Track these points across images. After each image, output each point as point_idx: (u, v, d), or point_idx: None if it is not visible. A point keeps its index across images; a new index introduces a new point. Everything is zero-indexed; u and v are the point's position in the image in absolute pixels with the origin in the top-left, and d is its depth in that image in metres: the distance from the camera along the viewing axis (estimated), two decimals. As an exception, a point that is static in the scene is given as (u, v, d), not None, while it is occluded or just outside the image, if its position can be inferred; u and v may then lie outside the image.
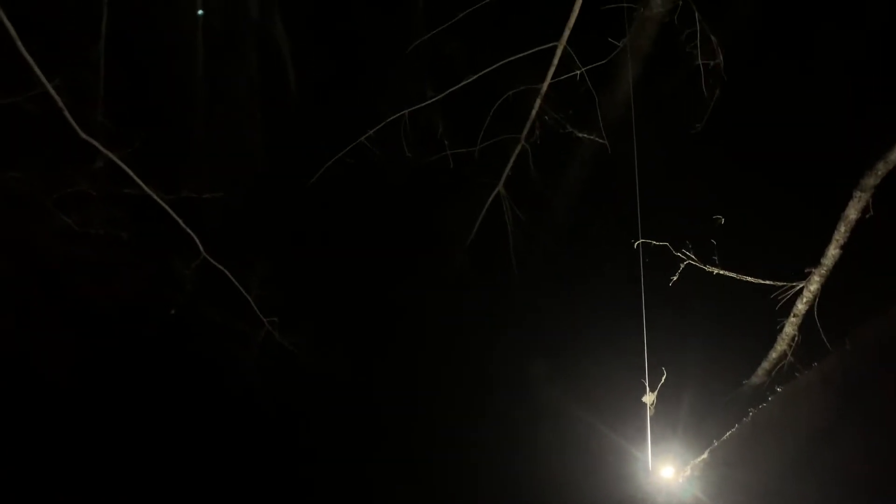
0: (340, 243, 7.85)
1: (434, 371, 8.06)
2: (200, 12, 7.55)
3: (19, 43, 4.89)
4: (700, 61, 6.24)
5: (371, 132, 7.07)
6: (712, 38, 6.21)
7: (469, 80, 7.03)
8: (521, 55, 6.90)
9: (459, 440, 7.62)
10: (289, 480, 7.19)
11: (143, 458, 6.78)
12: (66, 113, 5.27)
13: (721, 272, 5.63)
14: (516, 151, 7.11)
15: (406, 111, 7.04)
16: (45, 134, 6.21)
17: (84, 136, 5.43)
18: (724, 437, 5.45)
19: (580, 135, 6.95)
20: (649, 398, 5.86)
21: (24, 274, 6.34)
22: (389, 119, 7.12)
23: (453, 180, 7.67)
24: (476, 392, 7.97)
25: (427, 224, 8.01)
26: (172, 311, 6.40)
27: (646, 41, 7.38)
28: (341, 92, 8.13)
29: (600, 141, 7.21)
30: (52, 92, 5.14)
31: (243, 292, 6.39)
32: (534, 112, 6.91)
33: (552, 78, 6.79)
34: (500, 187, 7.41)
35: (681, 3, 6.12)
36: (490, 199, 7.44)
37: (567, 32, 6.46)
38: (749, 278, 5.65)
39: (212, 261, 6.18)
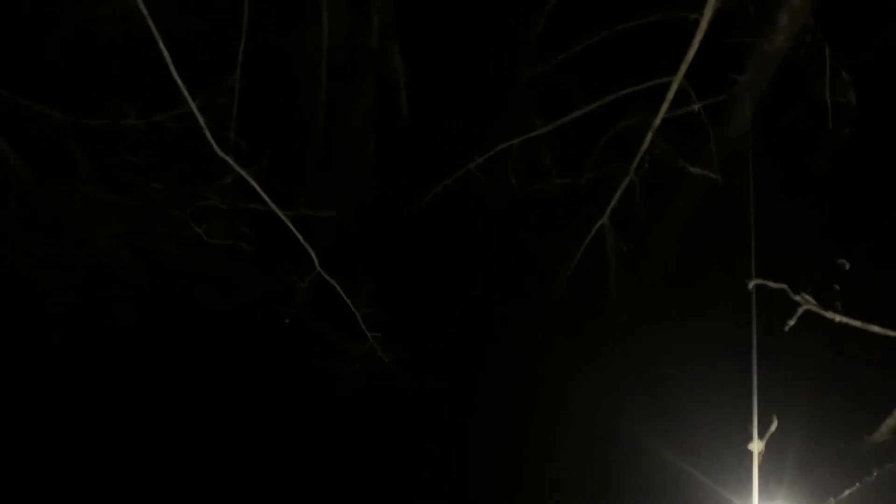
0: (444, 265, 8.03)
1: (525, 399, 8.05)
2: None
3: (172, 67, 5.40)
4: (829, 98, 6.01)
5: (480, 160, 7.29)
6: (843, 74, 5.98)
7: (580, 113, 7.13)
8: (634, 88, 6.94)
9: (546, 473, 7.56)
10: (379, 494, 7.33)
11: (244, 461, 7.12)
12: (207, 131, 5.76)
13: (844, 320, 5.35)
14: (624, 184, 7.08)
15: (515, 140, 7.22)
16: (183, 150, 6.85)
17: (220, 152, 5.88)
18: (844, 495, 5.14)
19: (692, 169, 6.86)
20: (757, 446, 5.61)
21: (151, 277, 6.88)
22: (498, 148, 7.32)
23: (558, 210, 7.75)
24: (565, 425, 7.90)
25: (528, 252, 8.06)
26: (287, 321, 6.75)
27: (766, 75, 7.18)
28: (452, 120, 8.37)
29: (713, 176, 7.09)
30: (196, 111, 5.62)
31: (352, 307, 6.65)
32: (645, 145, 6.88)
33: (666, 112, 6.79)
34: (604, 219, 7.39)
35: (809, 37, 5.95)
36: (594, 230, 7.44)
37: (684, 67, 6.42)
38: (876, 328, 5.33)
39: (325, 276, 6.50)
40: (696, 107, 6.40)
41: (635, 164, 6.89)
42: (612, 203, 7.10)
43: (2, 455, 6.43)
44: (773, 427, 5.57)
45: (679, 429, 7.04)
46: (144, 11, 4.98)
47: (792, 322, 5.46)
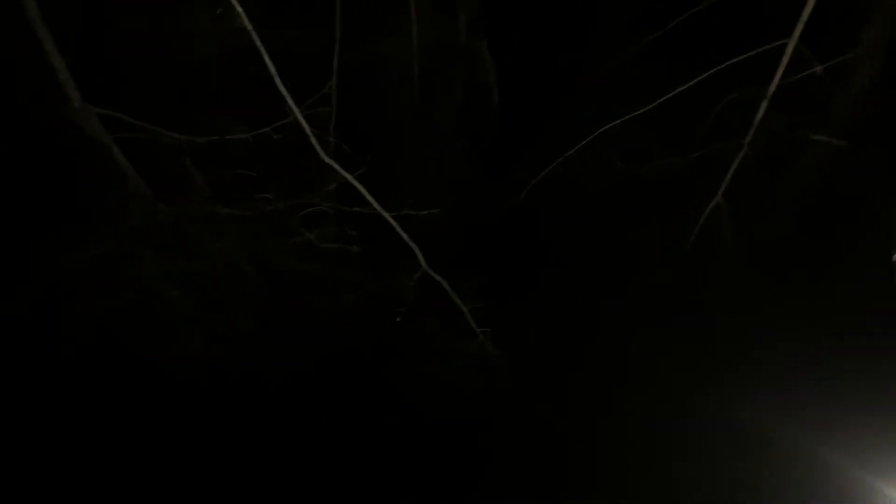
0: (548, 256, 7.88)
1: (633, 390, 7.74)
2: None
3: (277, 79, 5.57)
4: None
5: (580, 145, 7.10)
6: None
7: (684, 87, 6.80)
8: (744, 56, 6.55)
9: (664, 475, 7.25)
10: (474, 487, 7.25)
11: (359, 459, 7.23)
12: (313, 139, 5.91)
13: None
14: (738, 159, 6.69)
15: (616, 121, 6.98)
16: (288, 160, 7.07)
17: (326, 158, 6.04)
18: None
19: (815, 137, 6.39)
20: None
21: (268, 285, 7.12)
22: (598, 131, 7.11)
23: (665, 194, 7.43)
24: (675, 420, 7.55)
25: (636, 238, 7.77)
26: (398, 319, 6.84)
27: (891, 30, 6.61)
28: (545, 109, 8.21)
29: (838, 143, 6.58)
30: (302, 120, 5.78)
31: (459, 304, 6.65)
32: (759, 115, 6.47)
33: (781, 78, 6.36)
34: (718, 197, 7.02)
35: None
36: (707, 211, 7.08)
37: (800, 27, 5.99)
38: None
39: (432, 273, 6.52)
40: (817, 69, 5.96)
41: (750, 136, 6.50)
42: (726, 180, 6.73)
43: (127, 456, 6.86)
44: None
45: (819, 420, 6.59)
46: (249, 27, 5.17)
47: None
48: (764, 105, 6.35)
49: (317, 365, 7.15)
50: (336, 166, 5.97)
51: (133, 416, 6.94)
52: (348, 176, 6.02)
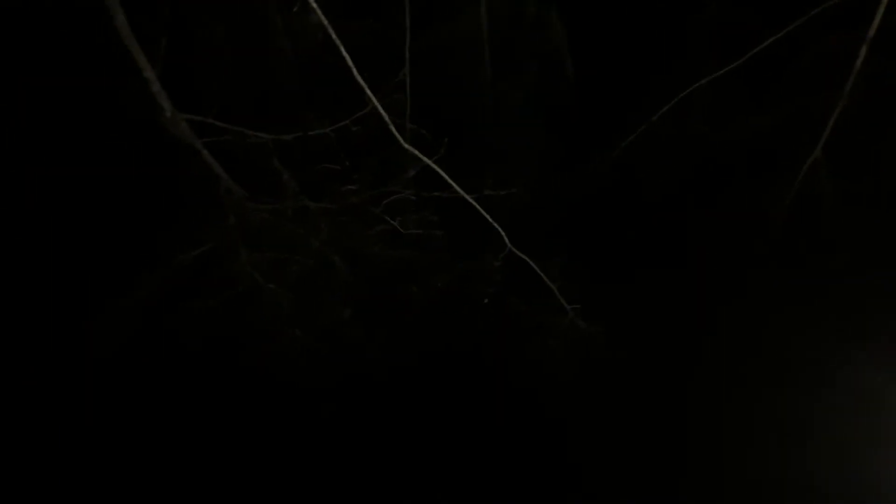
0: (636, 227, 7.66)
1: (740, 358, 7.46)
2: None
3: (355, 71, 5.65)
4: None
5: (664, 109, 6.86)
6: None
7: (772, 40, 6.43)
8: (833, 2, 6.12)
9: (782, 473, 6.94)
10: (563, 467, 7.20)
11: (459, 441, 7.33)
12: (392, 127, 5.97)
13: None
14: (837, 110, 6.28)
15: (703, 81, 6.69)
16: (367, 150, 7.18)
17: (406, 146, 6.10)
18: None
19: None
20: None
21: (356, 273, 7.30)
22: (682, 94, 6.84)
23: (758, 154, 7.07)
24: (785, 388, 7.23)
25: (729, 201, 7.45)
26: (486, 301, 6.87)
27: None
28: (622, 77, 7.95)
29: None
30: (381, 110, 5.84)
31: (547, 282, 6.60)
32: (858, 62, 6.04)
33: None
34: (817, 152, 6.61)
35: None
36: (805, 167, 6.69)
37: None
38: None
39: (518, 253, 6.50)
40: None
41: (849, 85, 6.08)
42: (825, 134, 6.33)
43: (217, 448, 7.21)
44: None
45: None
46: (325, 22, 5.26)
47: None
48: (864, 50, 5.93)
49: (411, 350, 7.29)
50: (416, 153, 6.02)
51: (236, 409, 7.28)
52: (429, 161, 6.05)
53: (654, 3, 8.07)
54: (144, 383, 7.23)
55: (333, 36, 5.29)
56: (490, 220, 6.36)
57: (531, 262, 6.53)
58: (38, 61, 7.30)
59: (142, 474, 6.99)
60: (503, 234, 6.46)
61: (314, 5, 5.13)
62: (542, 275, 6.58)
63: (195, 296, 7.09)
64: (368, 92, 5.65)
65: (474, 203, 6.22)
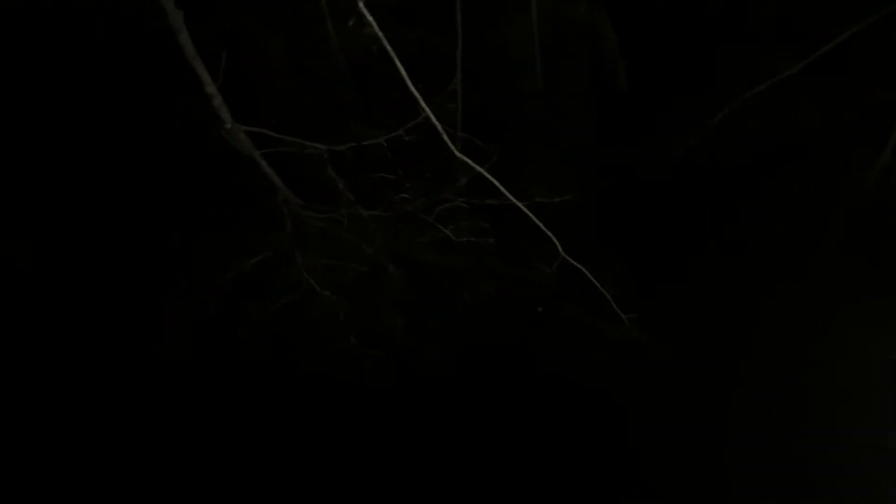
0: (694, 235, 7.51)
1: (812, 373, 7.19)
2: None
3: (408, 81, 5.68)
4: None
5: (721, 115, 6.69)
6: None
7: (840, 39, 6.21)
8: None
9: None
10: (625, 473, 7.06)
11: (509, 444, 7.29)
12: (445, 136, 5.98)
13: None
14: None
15: (761, 86, 6.51)
16: (420, 159, 7.24)
17: (459, 154, 6.10)
18: None
19: None
20: None
21: (411, 280, 7.37)
22: (740, 98, 6.66)
23: (819, 159, 6.81)
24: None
25: (790, 209, 7.22)
26: (539, 309, 6.82)
27: None
28: (678, 76, 7.80)
29: None
30: (434, 119, 5.86)
31: (602, 290, 6.50)
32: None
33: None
34: (885, 153, 6.34)
35: None
36: (876, 171, 6.40)
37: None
38: None
39: (571, 261, 6.42)
40: None
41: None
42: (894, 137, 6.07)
43: (274, 449, 7.31)
44: None
45: None
46: (380, 34, 5.31)
47: None
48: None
49: (464, 356, 7.31)
50: (468, 161, 6.01)
51: (294, 412, 7.42)
52: (481, 170, 6.02)
53: (709, 5, 7.92)
54: (206, 386, 7.47)
55: (387, 47, 5.34)
56: (542, 227, 6.30)
57: (585, 270, 6.44)
58: (105, 75, 7.67)
59: (205, 473, 7.23)
60: (556, 241, 6.39)
61: (370, 18, 5.19)
62: (596, 283, 6.49)
63: (254, 301, 7.30)
64: (421, 102, 5.67)
65: (526, 211, 6.15)
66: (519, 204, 6.24)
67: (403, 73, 5.63)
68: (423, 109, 5.81)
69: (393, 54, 5.41)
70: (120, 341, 7.19)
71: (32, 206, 7.58)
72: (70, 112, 7.72)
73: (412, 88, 5.71)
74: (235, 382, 7.43)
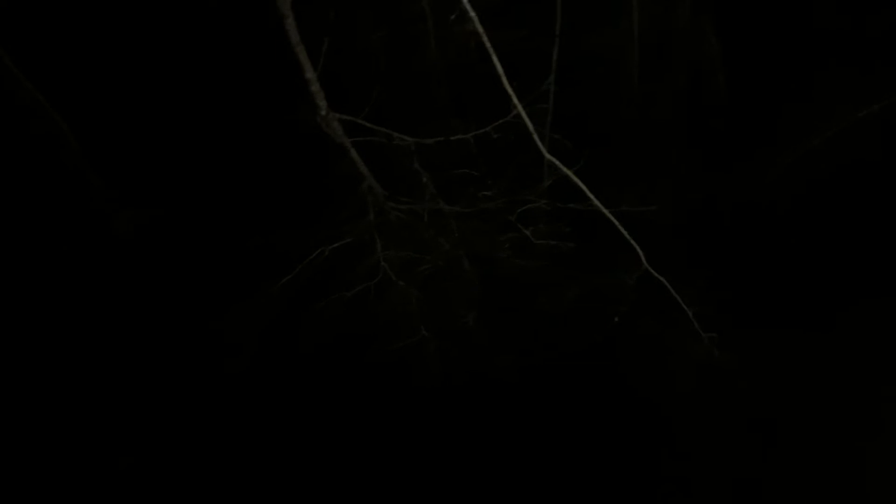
0: (785, 257, 7.18)
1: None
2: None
3: (504, 79, 5.68)
4: None
5: (829, 133, 6.35)
6: None
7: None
8: None
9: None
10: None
11: (575, 456, 7.15)
12: (535, 136, 5.95)
13: None
14: None
15: (874, 107, 6.14)
16: (506, 158, 7.20)
17: (548, 156, 6.05)
18: None
19: None
20: None
21: (486, 279, 7.34)
22: (859, 115, 6.29)
23: None
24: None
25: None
26: (616, 319, 6.68)
27: None
28: (779, 95, 7.46)
29: None
30: (526, 118, 5.83)
31: (683, 306, 6.30)
32: None
33: None
34: None
35: None
36: None
37: None
38: None
39: (654, 273, 6.26)
40: None
41: None
42: None
43: (339, 441, 7.34)
44: None
45: None
46: (480, 30, 5.33)
47: None
48: None
49: (531, 360, 7.23)
50: (556, 162, 5.95)
51: (360, 403, 7.48)
52: (568, 172, 5.96)
53: (817, 13, 7.52)
54: (271, 371, 7.64)
55: (487, 44, 5.34)
56: (627, 236, 6.17)
57: (668, 284, 6.26)
58: (212, 60, 8.00)
59: (272, 465, 7.40)
60: (640, 251, 6.24)
61: (472, 14, 5.21)
62: (678, 298, 6.30)
63: (329, 286, 7.43)
64: (515, 100, 5.66)
65: (611, 218, 6.04)
66: (605, 210, 6.14)
67: (500, 69, 5.63)
68: (514, 107, 5.79)
69: (491, 50, 5.42)
70: (197, 327, 7.41)
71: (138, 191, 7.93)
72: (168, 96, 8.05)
73: (507, 86, 5.71)
74: (302, 368, 7.56)
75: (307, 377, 7.60)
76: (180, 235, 7.53)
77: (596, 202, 6.18)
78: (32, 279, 7.82)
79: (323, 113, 6.42)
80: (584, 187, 6.01)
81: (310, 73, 6.08)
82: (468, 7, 5.12)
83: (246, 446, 7.31)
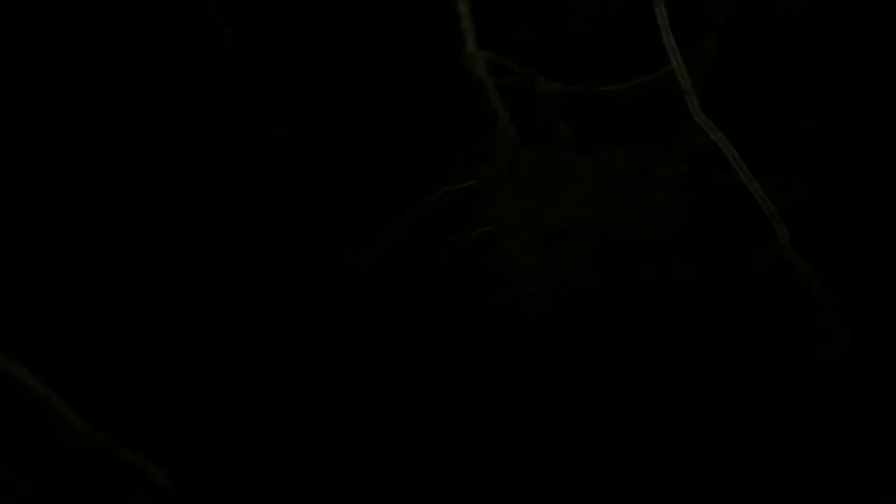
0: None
1: None
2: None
3: (666, 31, 5.41)
4: None
5: None
6: None
7: None
8: None
9: None
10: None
11: (659, 420, 6.92)
12: (692, 95, 5.66)
13: None
14: None
15: None
16: (652, 116, 6.89)
17: (699, 116, 5.75)
18: None
19: None
20: None
21: (608, 241, 7.14)
22: None
23: None
24: None
25: None
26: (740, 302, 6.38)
27: None
28: None
29: None
30: (683, 76, 5.55)
31: (820, 293, 5.93)
32: None
33: None
34: None
35: None
36: None
37: None
38: None
39: (793, 256, 5.90)
40: None
41: None
42: None
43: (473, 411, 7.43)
44: None
45: None
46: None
47: None
48: None
49: (646, 332, 7.03)
50: (710, 123, 5.64)
51: (464, 355, 7.53)
52: (721, 137, 5.64)
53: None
54: (385, 311, 7.76)
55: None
56: (773, 211, 5.81)
57: (808, 268, 5.88)
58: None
59: (380, 419, 7.57)
60: (784, 230, 5.87)
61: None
62: (817, 286, 5.91)
63: (447, 229, 7.48)
64: (674, 54, 5.38)
65: (759, 190, 5.69)
66: (753, 183, 5.79)
67: (664, 20, 5.37)
68: (673, 61, 5.53)
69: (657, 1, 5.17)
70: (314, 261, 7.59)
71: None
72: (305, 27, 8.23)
73: (666, 39, 5.44)
74: (405, 311, 7.65)
75: (409, 321, 7.70)
76: (314, 155, 7.79)
77: (742, 173, 5.85)
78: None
79: (469, 50, 6.37)
80: (735, 154, 5.68)
81: (464, 7, 6.03)
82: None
83: (342, 387, 7.59)
